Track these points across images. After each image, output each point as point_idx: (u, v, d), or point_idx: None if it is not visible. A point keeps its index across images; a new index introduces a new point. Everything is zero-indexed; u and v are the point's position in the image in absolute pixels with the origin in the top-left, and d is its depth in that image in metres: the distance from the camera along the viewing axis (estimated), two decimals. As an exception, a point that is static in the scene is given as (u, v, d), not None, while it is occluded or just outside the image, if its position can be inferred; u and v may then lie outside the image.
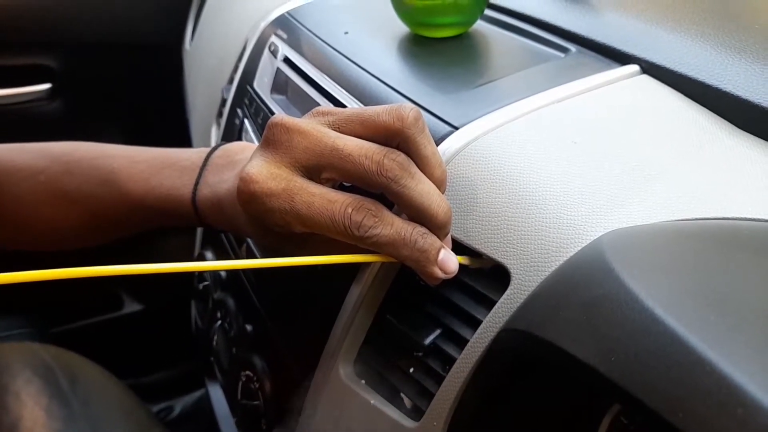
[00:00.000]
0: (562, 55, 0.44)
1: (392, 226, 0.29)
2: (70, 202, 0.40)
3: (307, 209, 0.29)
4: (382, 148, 0.30)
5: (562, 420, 0.30)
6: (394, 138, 0.30)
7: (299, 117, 0.32)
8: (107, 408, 0.47)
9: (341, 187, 0.32)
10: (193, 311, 0.68)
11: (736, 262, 0.25)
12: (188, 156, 0.39)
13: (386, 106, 0.30)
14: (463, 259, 0.32)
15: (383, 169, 0.29)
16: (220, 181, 0.36)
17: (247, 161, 0.32)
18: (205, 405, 0.66)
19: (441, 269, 0.30)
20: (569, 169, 0.32)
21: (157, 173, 0.39)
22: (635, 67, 0.40)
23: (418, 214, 0.30)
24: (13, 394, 0.43)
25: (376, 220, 0.29)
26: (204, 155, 0.38)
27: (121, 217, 0.40)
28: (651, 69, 0.40)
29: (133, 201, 0.39)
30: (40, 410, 0.43)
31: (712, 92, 0.36)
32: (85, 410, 0.44)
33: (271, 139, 0.31)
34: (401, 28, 0.50)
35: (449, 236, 0.32)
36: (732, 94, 0.35)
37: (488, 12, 0.52)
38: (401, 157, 0.29)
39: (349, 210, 0.29)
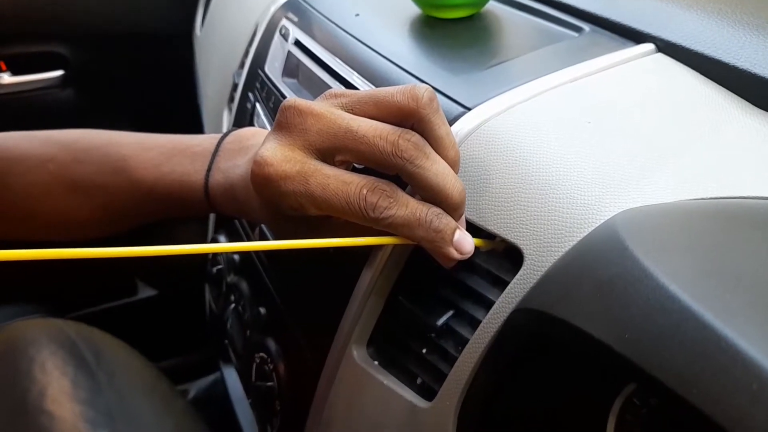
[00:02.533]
0: (575, 34, 0.43)
1: (407, 206, 0.29)
2: (82, 191, 0.39)
3: (321, 191, 0.29)
4: (397, 128, 0.29)
5: (574, 401, 0.30)
6: (408, 118, 0.30)
7: (311, 100, 0.32)
8: (132, 381, 0.48)
9: (354, 170, 0.32)
10: (207, 295, 0.69)
11: (752, 240, 0.25)
12: (199, 142, 0.39)
13: (400, 86, 0.30)
14: (477, 241, 0.31)
15: (399, 149, 0.29)
16: (233, 167, 0.36)
17: (259, 146, 0.32)
18: (219, 388, 0.67)
19: (456, 250, 0.30)
20: (583, 149, 0.31)
21: (168, 160, 0.38)
22: (650, 46, 0.40)
23: (433, 195, 0.30)
24: (39, 364, 0.44)
25: (391, 200, 0.29)
26: (215, 141, 0.38)
27: (132, 205, 0.40)
28: (666, 47, 0.39)
29: (144, 188, 0.38)
30: (66, 380, 0.44)
31: (729, 70, 0.35)
32: (111, 382, 0.45)
33: (284, 123, 0.31)
34: (412, 10, 0.49)
35: (463, 217, 0.32)
36: (749, 72, 0.35)
37: (500, -8, 0.52)
38: (416, 137, 0.29)
39: (364, 191, 0.29)
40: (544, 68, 0.38)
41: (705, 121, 0.33)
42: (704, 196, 0.28)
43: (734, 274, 0.23)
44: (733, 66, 0.35)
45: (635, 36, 0.41)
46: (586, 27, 0.43)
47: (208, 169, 0.37)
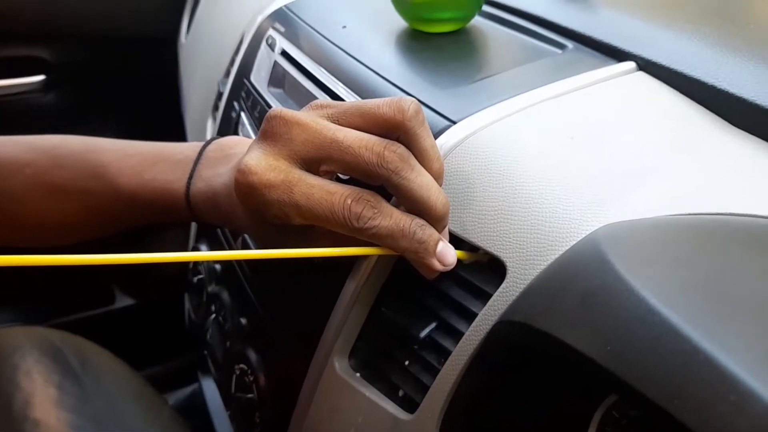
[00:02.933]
0: (559, 51, 0.44)
1: (391, 217, 0.29)
2: (61, 197, 0.39)
3: (306, 201, 0.29)
4: (382, 140, 0.30)
5: (555, 413, 0.30)
6: (394, 130, 0.30)
7: (297, 110, 0.32)
8: (118, 388, 0.47)
9: (339, 181, 0.32)
10: (187, 305, 0.68)
11: (730, 255, 0.25)
12: (181, 150, 0.39)
13: (386, 98, 0.30)
14: (460, 254, 0.32)
15: (384, 161, 0.29)
16: (215, 175, 0.36)
17: (243, 154, 0.31)
18: (198, 399, 0.66)
19: (439, 261, 0.30)
20: (565, 164, 0.32)
21: (150, 167, 0.38)
22: (631, 64, 0.40)
23: (417, 206, 0.30)
24: (24, 372, 0.43)
25: (375, 211, 0.29)
26: (198, 149, 0.38)
27: (113, 211, 0.39)
28: (647, 66, 0.40)
29: (125, 195, 0.38)
30: (52, 388, 0.43)
31: (707, 90, 0.36)
32: (97, 389, 0.45)
33: (270, 132, 0.31)
34: (399, 23, 0.50)
35: (447, 229, 0.32)
36: (727, 92, 0.35)
37: (486, 8, 0.52)
38: (401, 149, 0.29)
39: (349, 201, 0.29)
40: (528, 83, 0.38)
41: (684, 138, 0.34)
42: (683, 212, 0.29)
43: (713, 288, 0.23)
44: (712, 86, 0.36)
45: (617, 54, 0.42)
46: (569, 44, 0.44)
47: (190, 177, 0.37)
